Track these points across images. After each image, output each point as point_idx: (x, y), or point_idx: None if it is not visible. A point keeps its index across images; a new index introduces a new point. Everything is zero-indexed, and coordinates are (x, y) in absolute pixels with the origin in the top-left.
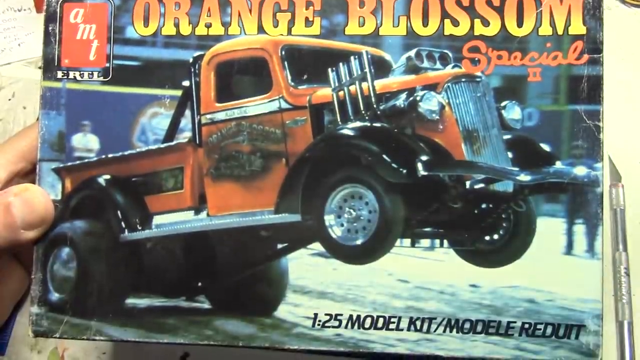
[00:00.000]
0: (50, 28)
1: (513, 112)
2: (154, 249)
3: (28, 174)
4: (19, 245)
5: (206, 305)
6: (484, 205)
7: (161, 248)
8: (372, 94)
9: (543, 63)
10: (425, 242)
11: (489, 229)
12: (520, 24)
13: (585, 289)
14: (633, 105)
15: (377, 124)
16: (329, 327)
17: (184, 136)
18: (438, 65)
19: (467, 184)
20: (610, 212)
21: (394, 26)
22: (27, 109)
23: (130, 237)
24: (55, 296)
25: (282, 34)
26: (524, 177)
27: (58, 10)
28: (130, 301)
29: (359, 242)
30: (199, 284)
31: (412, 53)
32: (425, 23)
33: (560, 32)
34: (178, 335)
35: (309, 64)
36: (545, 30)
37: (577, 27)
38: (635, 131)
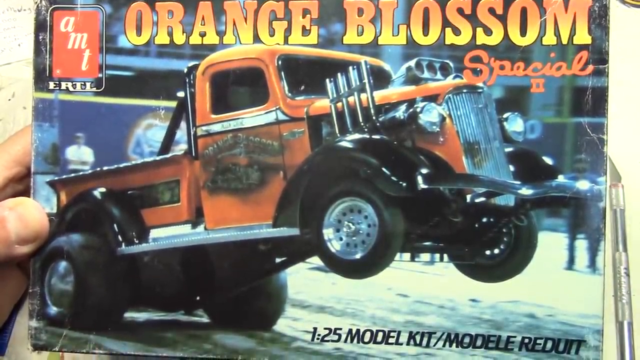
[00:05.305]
0: (40, 37)
1: (515, 124)
2: (151, 262)
3: (23, 178)
4: (14, 259)
5: (205, 319)
6: (484, 219)
7: (159, 262)
8: (371, 106)
9: (546, 74)
10: (425, 257)
11: (489, 244)
12: (523, 32)
13: (586, 304)
14: (633, 105)
15: (377, 136)
16: (328, 341)
17: (180, 148)
18: (439, 75)
19: (468, 197)
20: (610, 212)
21: (393, 35)
22: (27, 109)
23: (128, 251)
24: (53, 310)
25: (278, 43)
26: (526, 191)
27: (48, 18)
28: (128, 315)
29: (358, 256)
30: (198, 297)
31: (412, 63)
32: (425, 32)
33: (564, 41)
34: (177, 349)
35: (306, 74)
36: (550, 39)
37: (582, 37)
38: (635, 131)
